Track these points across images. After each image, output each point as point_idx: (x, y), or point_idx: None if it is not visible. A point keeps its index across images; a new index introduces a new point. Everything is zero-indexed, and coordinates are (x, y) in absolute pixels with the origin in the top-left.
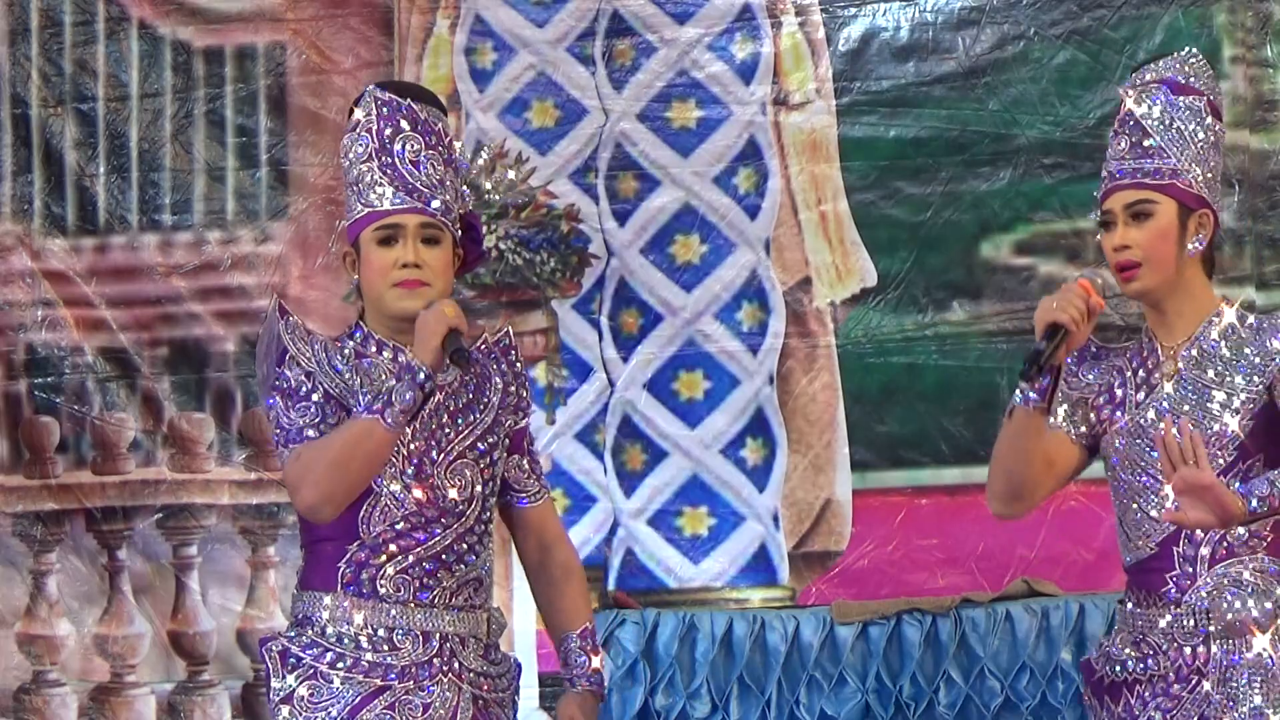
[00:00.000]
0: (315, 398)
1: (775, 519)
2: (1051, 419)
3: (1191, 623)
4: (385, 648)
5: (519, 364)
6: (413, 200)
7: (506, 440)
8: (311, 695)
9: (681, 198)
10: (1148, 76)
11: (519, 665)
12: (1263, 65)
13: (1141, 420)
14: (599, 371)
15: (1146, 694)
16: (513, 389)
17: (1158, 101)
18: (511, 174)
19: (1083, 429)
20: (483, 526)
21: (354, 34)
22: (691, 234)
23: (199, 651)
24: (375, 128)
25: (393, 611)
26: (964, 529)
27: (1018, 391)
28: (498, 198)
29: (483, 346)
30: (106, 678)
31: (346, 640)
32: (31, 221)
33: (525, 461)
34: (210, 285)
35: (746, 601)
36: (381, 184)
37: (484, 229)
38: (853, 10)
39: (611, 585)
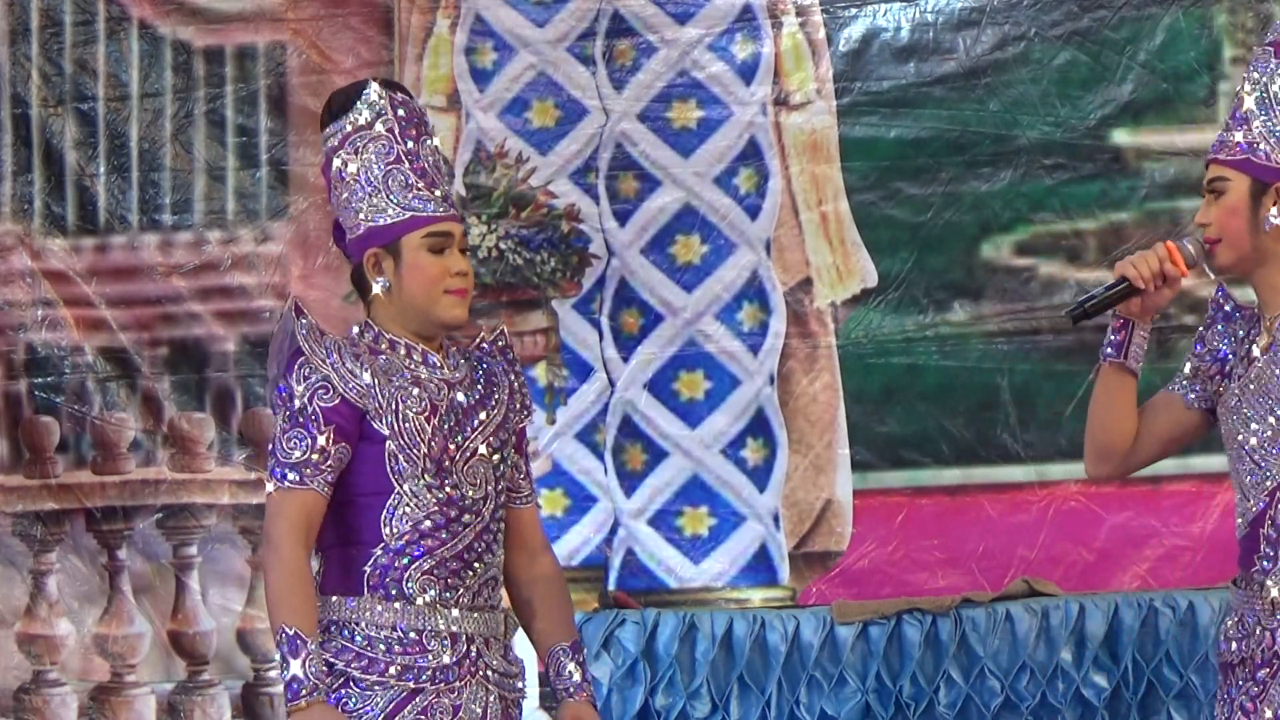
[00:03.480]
0: (313, 426)
1: (776, 519)
2: (1174, 384)
3: (1270, 606)
4: (415, 650)
5: (517, 363)
6: (451, 208)
7: (513, 438)
8: (343, 703)
9: (682, 198)
10: (1271, 36)
11: (524, 664)
12: None
13: (1240, 394)
14: (599, 371)
15: (1241, 676)
16: (517, 387)
17: (1262, 66)
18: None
19: (1196, 394)
20: (497, 525)
21: (354, 34)
22: (692, 234)
23: (199, 651)
24: (397, 129)
25: (421, 614)
26: (964, 529)
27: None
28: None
29: (483, 345)
30: (106, 678)
31: (377, 645)
32: (31, 221)
33: (522, 462)
34: (210, 285)
35: (747, 601)
36: (422, 189)
37: (484, 229)
38: (853, 11)
39: (611, 585)
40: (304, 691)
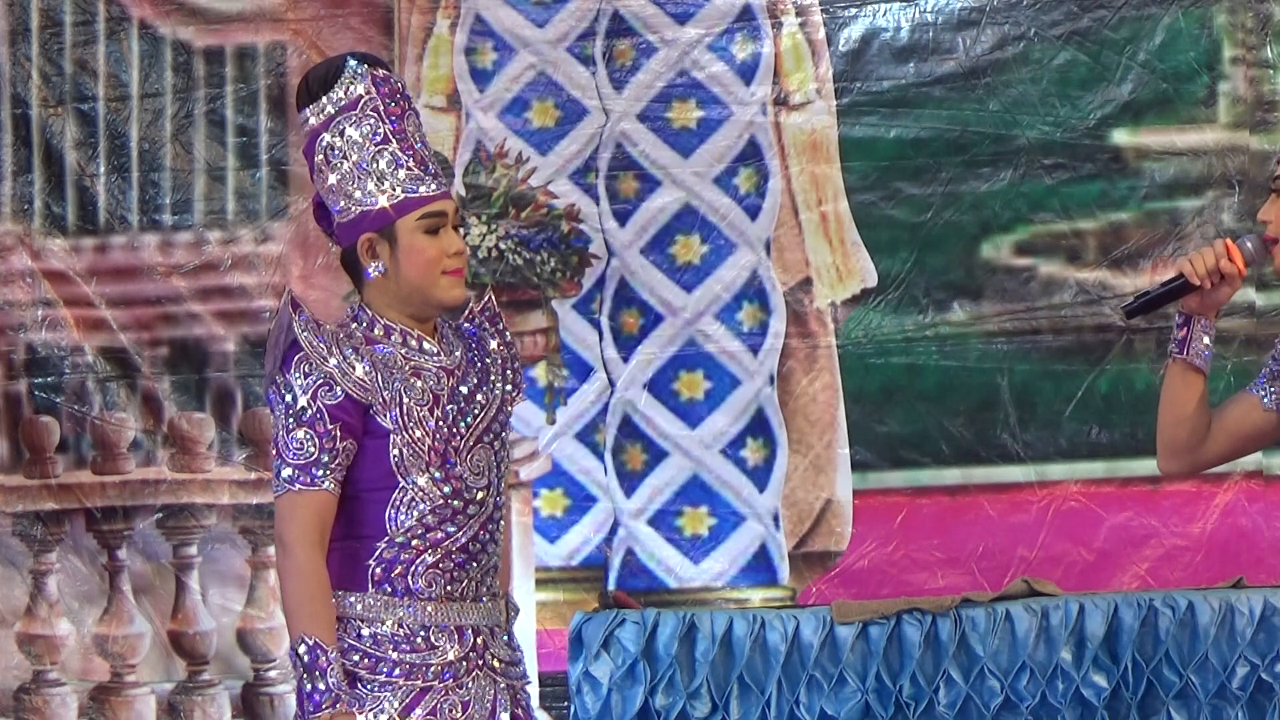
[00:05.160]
0: (319, 424)
1: (775, 519)
2: (1253, 384)
3: None
4: (423, 647)
5: (507, 331)
6: (442, 185)
7: (509, 418)
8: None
9: (682, 198)
10: None
11: (521, 649)
12: (1263, 66)
13: None
14: (599, 371)
15: None
16: (510, 361)
17: None
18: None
19: (1275, 395)
20: (499, 512)
21: (354, 34)
22: (692, 234)
23: (199, 651)
24: (381, 106)
25: (427, 609)
26: (964, 529)
27: None
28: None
29: (472, 318)
30: (106, 678)
31: (384, 643)
32: (31, 221)
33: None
34: (210, 285)
35: (747, 601)
36: (413, 167)
37: (484, 229)
38: (853, 11)
39: (611, 585)
40: (325, 704)
